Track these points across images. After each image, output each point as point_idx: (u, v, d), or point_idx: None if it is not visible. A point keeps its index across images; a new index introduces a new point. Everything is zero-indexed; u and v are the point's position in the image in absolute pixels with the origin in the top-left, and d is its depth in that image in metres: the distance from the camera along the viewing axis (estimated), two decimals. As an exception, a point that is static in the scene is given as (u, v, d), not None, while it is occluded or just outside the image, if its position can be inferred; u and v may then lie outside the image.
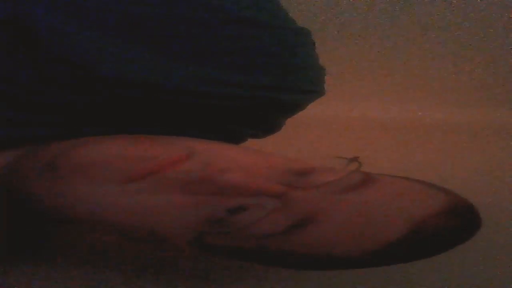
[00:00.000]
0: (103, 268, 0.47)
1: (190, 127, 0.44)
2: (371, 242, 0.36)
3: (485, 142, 0.91)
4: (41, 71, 0.38)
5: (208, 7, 0.40)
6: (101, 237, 0.48)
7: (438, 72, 0.97)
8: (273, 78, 0.43)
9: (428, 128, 0.95)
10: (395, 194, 0.38)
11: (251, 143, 0.50)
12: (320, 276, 0.48)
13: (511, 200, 0.66)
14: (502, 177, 0.76)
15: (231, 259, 0.41)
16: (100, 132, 0.41)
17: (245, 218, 0.35)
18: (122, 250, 0.49)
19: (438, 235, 0.37)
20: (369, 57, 0.94)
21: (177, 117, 0.43)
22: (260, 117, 0.46)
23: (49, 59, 0.38)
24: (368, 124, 0.94)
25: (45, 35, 0.37)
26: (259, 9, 0.42)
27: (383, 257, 0.37)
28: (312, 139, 0.80)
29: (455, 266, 0.50)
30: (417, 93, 0.98)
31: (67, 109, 0.41)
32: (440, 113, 0.98)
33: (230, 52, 0.41)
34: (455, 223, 0.39)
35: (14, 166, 0.39)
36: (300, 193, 0.36)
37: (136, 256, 0.49)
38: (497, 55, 0.96)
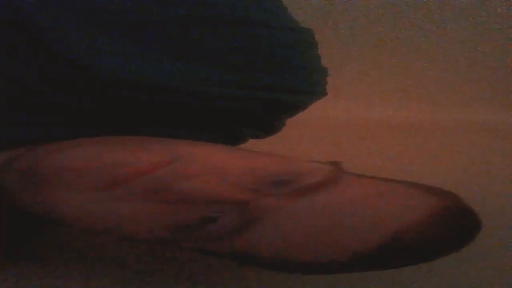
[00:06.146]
0: (97, 268, 0.47)
1: (190, 127, 0.44)
2: (334, 251, 0.34)
3: (485, 142, 0.92)
4: (42, 71, 0.38)
5: (208, 7, 0.39)
6: (95, 238, 0.48)
7: (439, 72, 0.97)
8: (274, 79, 0.42)
9: (429, 129, 0.95)
10: (365, 198, 0.35)
11: (252, 143, 0.50)
12: (318, 276, 0.48)
13: (510, 200, 0.67)
14: (500, 176, 0.76)
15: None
16: (100, 132, 0.41)
17: (212, 227, 0.34)
18: (117, 250, 0.49)
19: (421, 244, 0.34)
20: (370, 58, 0.94)
21: (177, 117, 0.43)
22: (261, 118, 0.46)
23: (50, 59, 0.38)
24: (368, 125, 0.94)
25: (46, 35, 0.37)
26: (261, 9, 0.42)
27: (353, 267, 0.35)
28: (312, 139, 0.80)
29: (449, 266, 0.50)
30: (417, 93, 0.99)
31: (67, 110, 0.40)
32: (440, 113, 0.99)
33: (231, 52, 0.41)
34: (443, 230, 0.35)
35: (6, 168, 0.39)
36: (265, 201, 0.34)
37: (132, 256, 0.48)
38: (497, 55, 0.96)
